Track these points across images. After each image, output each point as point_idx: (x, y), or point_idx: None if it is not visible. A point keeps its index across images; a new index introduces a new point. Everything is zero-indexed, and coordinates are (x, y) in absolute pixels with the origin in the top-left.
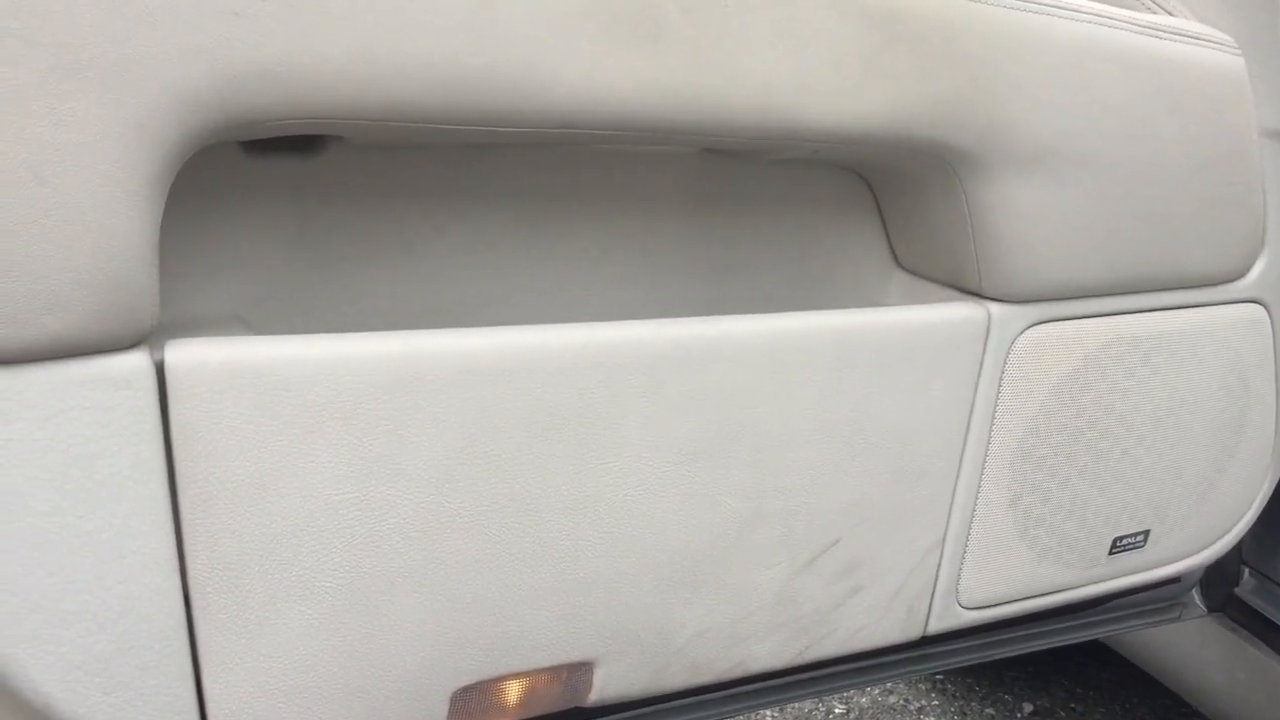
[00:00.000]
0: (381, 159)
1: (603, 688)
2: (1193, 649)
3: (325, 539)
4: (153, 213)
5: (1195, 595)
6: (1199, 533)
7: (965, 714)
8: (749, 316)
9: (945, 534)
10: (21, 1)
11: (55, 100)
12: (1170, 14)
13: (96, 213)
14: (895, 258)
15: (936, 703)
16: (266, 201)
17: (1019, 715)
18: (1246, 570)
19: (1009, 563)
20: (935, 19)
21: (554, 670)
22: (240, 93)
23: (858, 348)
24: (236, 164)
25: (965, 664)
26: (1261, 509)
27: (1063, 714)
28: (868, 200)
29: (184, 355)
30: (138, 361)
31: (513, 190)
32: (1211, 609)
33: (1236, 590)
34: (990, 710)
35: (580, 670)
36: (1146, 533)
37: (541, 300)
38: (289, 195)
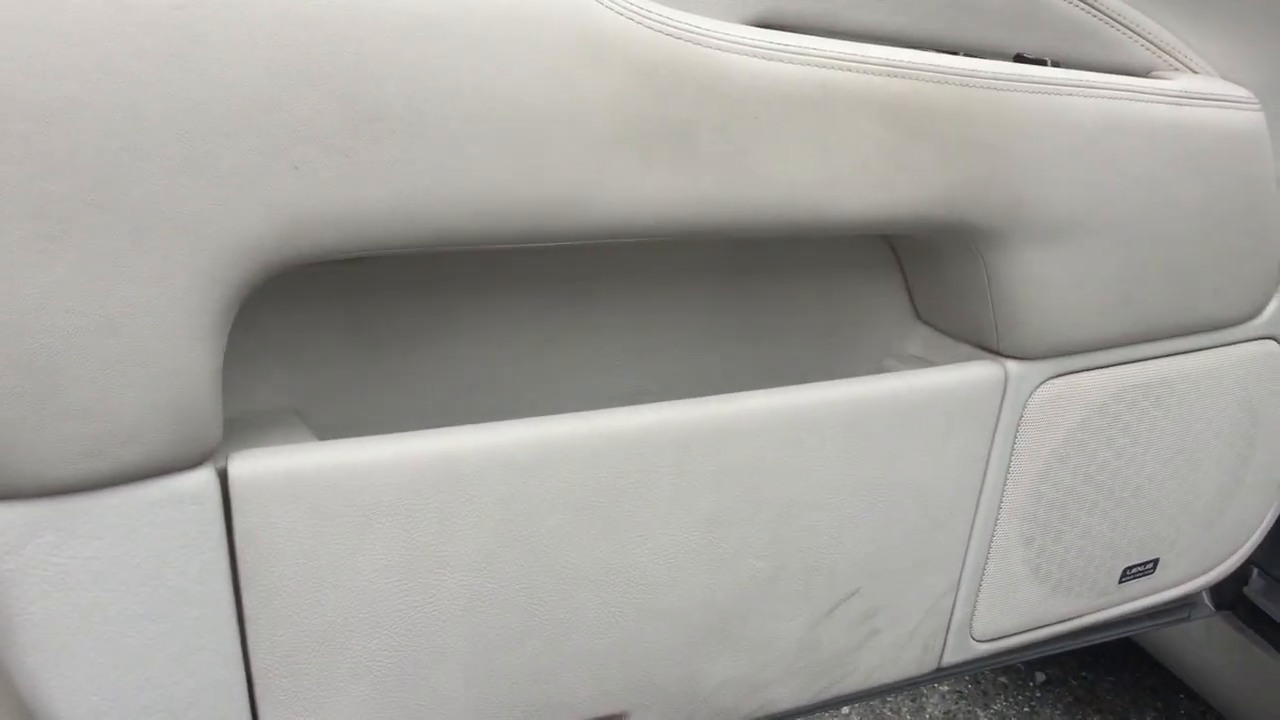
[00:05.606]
0: (426, 257)
1: None
2: (1199, 643)
3: (376, 624)
4: (218, 347)
5: (1204, 595)
6: (1207, 556)
7: (979, 681)
8: (767, 391)
9: (960, 577)
10: (100, 175)
11: (129, 260)
12: (1194, 71)
13: (166, 356)
14: (917, 312)
15: None
16: (318, 300)
17: (1031, 684)
18: (1255, 570)
19: (1022, 599)
20: (956, 111)
21: None
22: (298, 237)
23: (874, 414)
24: (290, 271)
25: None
26: (1269, 529)
27: (1074, 683)
28: (890, 261)
29: (245, 467)
30: (203, 478)
31: (548, 274)
32: (1219, 608)
33: (1245, 590)
34: (1003, 679)
35: None
36: (1155, 561)
37: (579, 375)
38: (339, 293)
